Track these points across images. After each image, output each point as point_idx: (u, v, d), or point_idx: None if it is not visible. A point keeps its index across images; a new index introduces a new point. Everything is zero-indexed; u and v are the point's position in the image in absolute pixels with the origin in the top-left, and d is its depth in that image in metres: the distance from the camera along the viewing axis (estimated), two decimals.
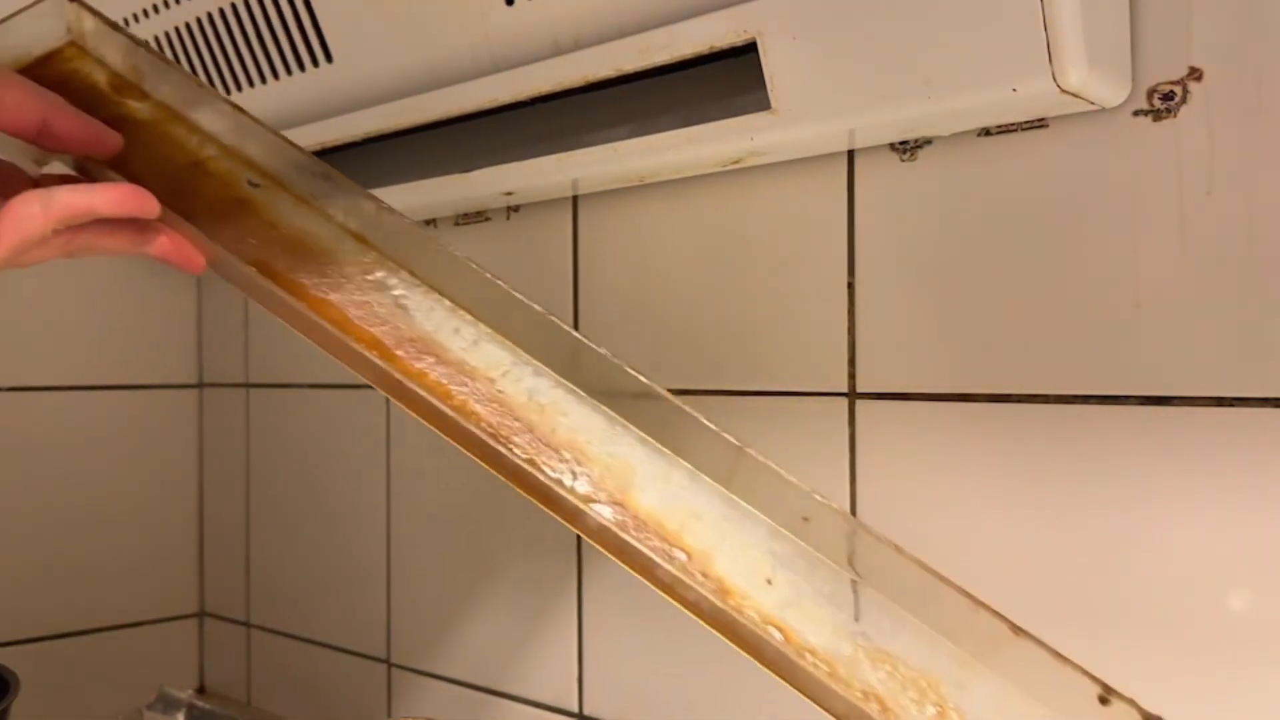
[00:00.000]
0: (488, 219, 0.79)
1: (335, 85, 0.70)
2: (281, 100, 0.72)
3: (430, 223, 0.82)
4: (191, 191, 0.50)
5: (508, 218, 0.78)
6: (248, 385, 1.04)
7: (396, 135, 0.69)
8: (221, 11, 0.72)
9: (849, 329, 0.60)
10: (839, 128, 0.54)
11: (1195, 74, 0.48)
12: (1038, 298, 0.53)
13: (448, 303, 0.48)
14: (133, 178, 0.49)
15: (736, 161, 0.61)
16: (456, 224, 0.81)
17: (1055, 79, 0.46)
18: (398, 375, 0.45)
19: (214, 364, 1.08)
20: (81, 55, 0.52)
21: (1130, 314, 0.50)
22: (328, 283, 0.48)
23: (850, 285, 0.60)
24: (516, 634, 0.80)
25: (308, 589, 0.99)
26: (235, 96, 0.74)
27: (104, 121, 0.50)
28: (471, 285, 0.48)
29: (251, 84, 0.74)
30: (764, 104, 0.54)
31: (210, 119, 0.52)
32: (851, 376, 0.60)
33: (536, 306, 0.47)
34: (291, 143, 0.51)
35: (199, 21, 0.74)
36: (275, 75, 0.72)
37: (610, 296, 0.72)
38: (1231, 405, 0.48)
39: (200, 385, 1.09)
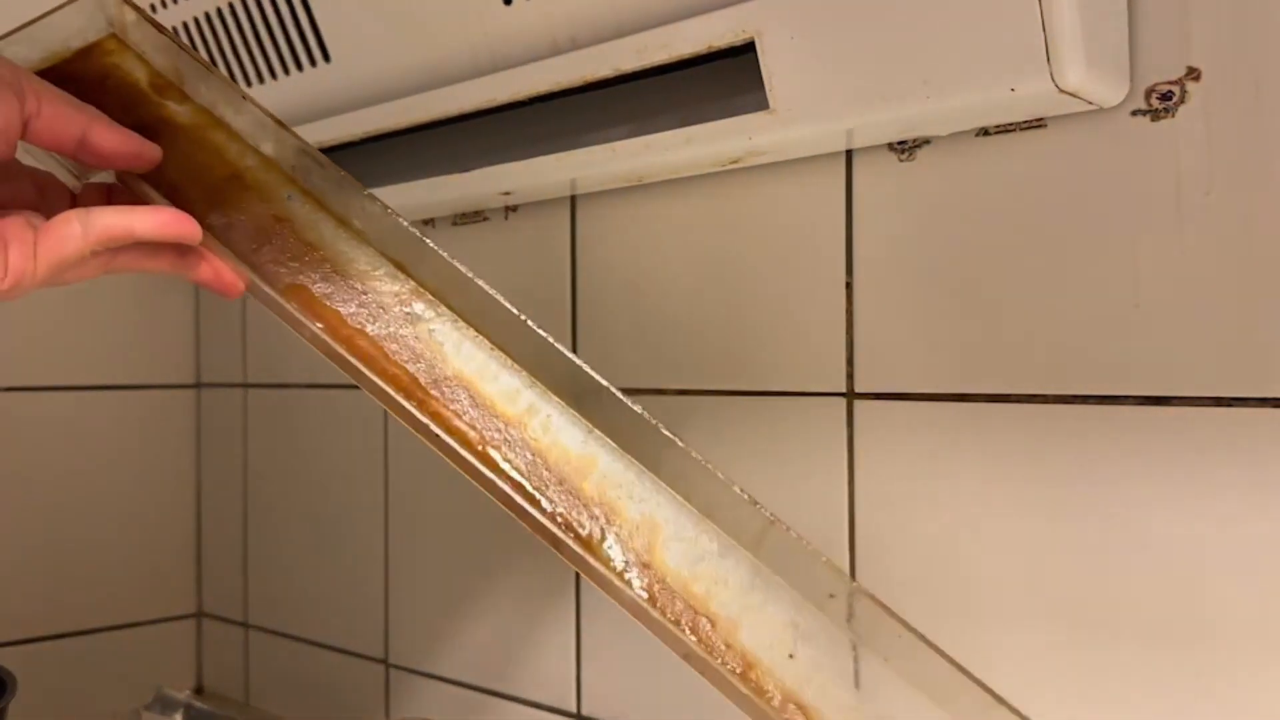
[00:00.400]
0: (486, 219, 0.79)
1: (333, 85, 0.70)
2: (279, 100, 0.72)
3: (428, 222, 0.82)
4: (231, 204, 0.49)
5: (506, 217, 0.78)
6: (245, 385, 1.04)
7: (394, 135, 0.69)
8: (219, 11, 0.72)
9: (847, 329, 0.60)
10: (837, 127, 0.54)
11: (1193, 74, 0.48)
12: (1036, 298, 0.53)
13: (486, 342, 0.47)
14: (171, 186, 0.49)
15: (735, 161, 0.61)
16: (454, 224, 0.81)
17: (1054, 79, 0.46)
18: (424, 418, 0.45)
19: (212, 364, 1.08)
20: (122, 49, 0.51)
21: (1129, 314, 0.50)
22: (365, 313, 0.47)
23: (848, 285, 0.60)
24: (515, 634, 0.79)
25: (306, 589, 0.98)
26: None
27: (143, 122, 0.49)
28: (505, 325, 0.47)
29: (249, 84, 0.73)
30: (762, 104, 0.53)
31: (249, 127, 0.51)
32: (850, 376, 0.60)
33: (570, 354, 0.46)
34: (328, 160, 0.50)
35: (195, 21, 0.73)
36: (273, 75, 0.72)
37: (608, 296, 0.72)
38: (1230, 405, 0.48)
39: (198, 385, 1.09)
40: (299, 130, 0.72)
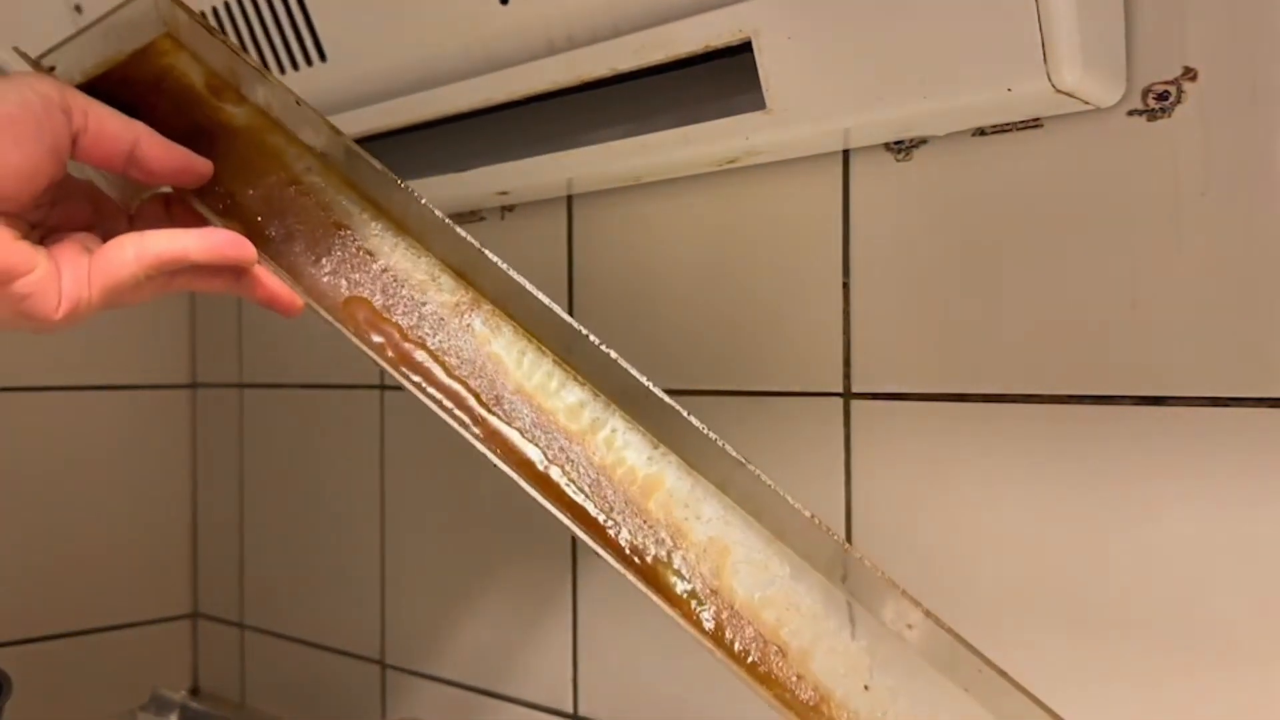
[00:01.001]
0: (483, 219, 0.79)
1: (329, 85, 0.70)
2: None
3: None
4: (289, 212, 0.48)
5: (502, 217, 0.78)
6: (241, 385, 1.04)
7: (391, 135, 0.69)
8: (215, 10, 0.71)
9: (844, 329, 0.60)
10: (834, 127, 0.54)
11: (1190, 74, 0.48)
12: (1033, 298, 0.53)
13: (548, 355, 0.46)
14: (227, 195, 0.48)
15: (732, 161, 0.61)
16: None
17: (1050, 79, 0.46)
18: (482, 443, 0.43)
19: (208, 364, 1.08)
20: (177, 49, 0.50)
21: (1126, 314, 0.50)
22: (426, 325, 0.46)
23: (845, 285, 0.60)
24: (511, 634, 0.79)
25: (302, 589, 0.98)
26: None
27: (199, 126, 0.49)
28: (563, 338, 0.46)
29: None
30: (759, 103, 0.53)
31: (306, 132, 0.50)
32: (847, 377, 0.60)
33: (634, 371, 0.45)
34: (383, 166, 0.49)
35: None
36: None
37: (605, 296, 0.72)
38: (1227, 405, 0.48)
39: (194, 385, 1.09)
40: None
